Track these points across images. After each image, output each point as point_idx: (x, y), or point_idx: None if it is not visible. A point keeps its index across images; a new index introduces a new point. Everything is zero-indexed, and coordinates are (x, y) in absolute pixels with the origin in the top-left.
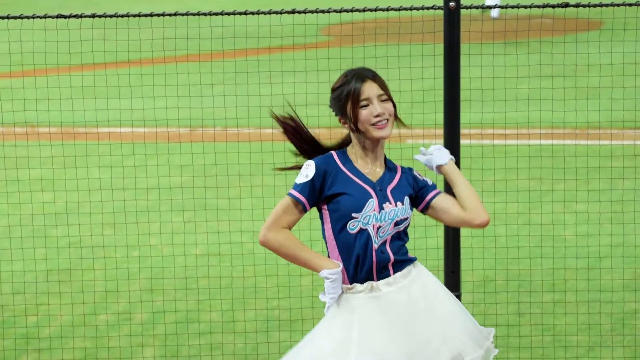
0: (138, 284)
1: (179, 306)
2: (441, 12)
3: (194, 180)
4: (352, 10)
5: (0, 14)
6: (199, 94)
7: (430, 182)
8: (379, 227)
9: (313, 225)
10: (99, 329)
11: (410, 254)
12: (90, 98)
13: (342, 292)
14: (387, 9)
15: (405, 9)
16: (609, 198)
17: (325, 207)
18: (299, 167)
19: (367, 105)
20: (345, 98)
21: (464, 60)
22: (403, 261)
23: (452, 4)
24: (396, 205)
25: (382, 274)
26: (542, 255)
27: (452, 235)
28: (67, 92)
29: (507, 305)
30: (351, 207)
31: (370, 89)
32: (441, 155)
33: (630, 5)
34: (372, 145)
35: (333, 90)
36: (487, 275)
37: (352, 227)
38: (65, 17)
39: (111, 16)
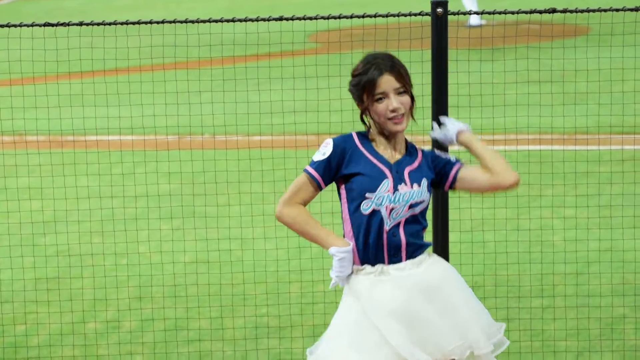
0: (127, 291)
1: (168, 314)
2: (428, 18)
3: (182, 188)
4: (339, 17)
5: None
6: (187, 101)
7: (452, 158)
8: (392, 208)
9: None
10: (87, 337)
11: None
12: (78, 106)
13: (352, 273)
14: (375, 16)
15: (393, 15)
16: (597, 203)
17: (342, 186)
18: None
19: (383, 98)
20: (362, 89)
21: (451, 67)
22: (416, 248)
23: (439, 10)
24: (412, 187)
25: (394, 257)
26: (530, 261)
27: (440, 241)
28: (55, 100)
29: (495, 310)
30: (365, 186)
31: (387, 82)
32: (454, 125)
33: (617, 10)
34: (391, 133)
35: (353, 76)
36: (475, 281)
37: (366, 207)
38: (52, 25)
39: (99, 24)
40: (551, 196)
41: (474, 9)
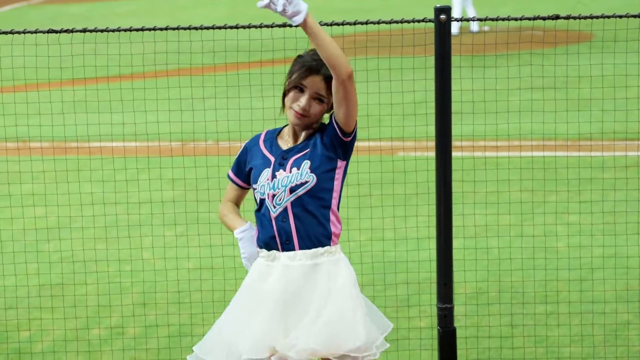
0: (131, 298)
1: (172, 320)
2: (432, 24)
3: (186, 194)
4: (343, 24)
5: None
6: (191, 108)
7: (332, 118)
8: (274, 195)
9: None
10: (91, 344)
11: (334, 246)
12: (81, 112)
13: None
14: (378, 22)
15: (396, 21)
16: (601, 209)
17: None
18: None
19: (301, 91)
20: (292, 71)
21: (455, 73)
22: (311, 239)
23: (442, 16)
24: (290, 172)
25: (287, 244)
26: (534, 267)
27: (444, 247)
28: (59, 106)
29: (499, 317)
30: (253, 179)
31: (314, 82)
32: (297, 4)
33: (620, 17)
34: (296, 126)
35: (300, 56)
36: (479, 287)
37: (256, 197)
38: (56, 32)
39: (102, 31)
40: (555, 202)
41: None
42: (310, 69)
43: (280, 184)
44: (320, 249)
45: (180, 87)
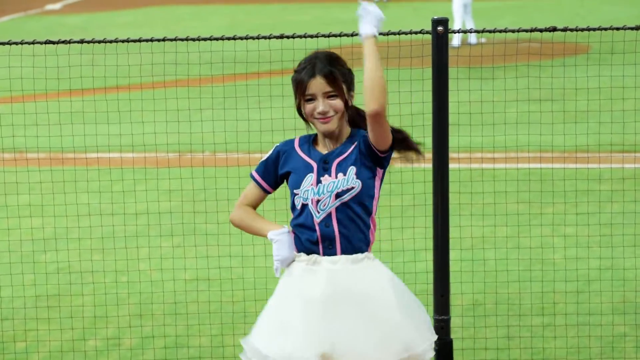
0: (127, 309)
1: (168, 331)
2: (429, 36)
3: (182, 205)
4: (340, 35)
5: None
6: (188, 119)
7: (367, 135)
8: (318, 200)
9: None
10: (88, 355)
11: (370, 253)
12: (79, 123)
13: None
14: None
15: (394, 33)
16: (598, 221)
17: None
18: None
19: (312, 100)
20: (296, 87)
21: (452, 85)
22: (354, 245)
23: (440, 28)
24: (336, 177)
25: (329, 249)
26: (531, 279)
27: (441, 259)
28: (56, 117)
29: (496, 328)
30: (293, 184)
31: (317, 86)
32: (364, 24)
33: (617, 29)
34: (327, 134)
35: (294, 71)
36: (476, 299)
37: (297, 202)
38: (53, 43)
39: (100, 42)
40: (552, 214)
41: (458, 27)
42: (307, 76)
43: (326, 189)
44: (360, 255)
45: (177, 98)
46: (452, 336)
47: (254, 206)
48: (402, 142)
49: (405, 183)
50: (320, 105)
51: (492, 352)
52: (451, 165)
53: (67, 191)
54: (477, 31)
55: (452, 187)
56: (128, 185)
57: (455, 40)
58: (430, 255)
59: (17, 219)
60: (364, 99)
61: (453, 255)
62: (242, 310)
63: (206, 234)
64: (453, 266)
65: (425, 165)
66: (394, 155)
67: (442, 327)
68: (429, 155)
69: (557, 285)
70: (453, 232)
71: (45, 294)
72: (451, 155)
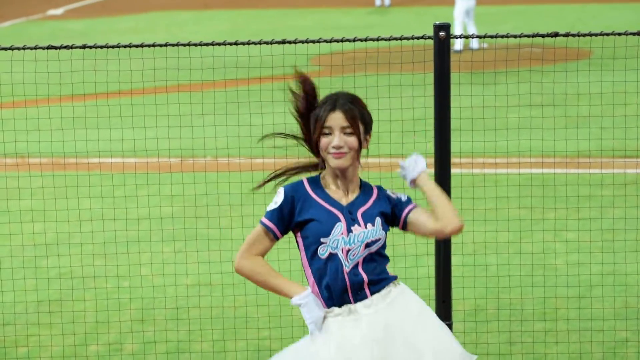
0: (129, 314)
1: (170, 336)
2: (431, 41)
3: (184, 211)
4: (342, 41)
5: None
6: (190, 124)
7: (404, 198)
8: (349, 250)
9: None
10: None
11: (391, 273)
12: (81, 128)
13: (325, 317)
14: (378, 39)
15: (396, 38)
16: (600, 227)
17: (298, 234)
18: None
19: (329, 134)
20: (315, 121)
21: (454, 90)
22: (380, 280)
23: (442, 33)
24: (366, 227)
25: (359, 295)
26: (533, 284)
27: (443, 264)
28: (58, 122)
29: (498, 334)
30: (319, 232)
31: (335, 120)
32: (414, 168)
33: (619, 34)
34: (340, 171)
35: (315, 108)
36: (478, 304)
37: (322, 251)
38: (55, 47)
39: (102, 47)
40: (553, 219)
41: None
42: (327, 109)
43: (357, 239)
44: (386, 288)
45: (179, 103)
46: None
47: (263, 255)
48: None
49: (407, 188)
50: (335, 139)
51: (494, 357)
52: (453, 170)
53: (69, 196)
54: (479, 36)
55: (454, 192)
56: (130, 190)
57: (457, 45)
58: (432, 261)
59: (19, 224)
60: (442, 220)
61: (455, 260)
62: (243, 316)
63: (208, 239)
64: (455, 271)
65: (427, 170)
66: None
67: None
68: (430, 160)
69: (559, 290)
70: (455, 237)
71: (47, 299)
72: (453, 160)
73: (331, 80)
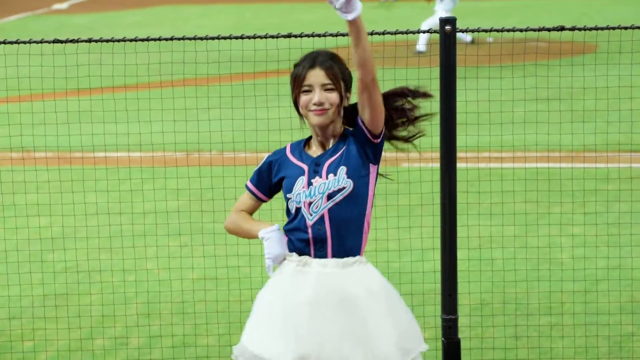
0: (134, 308)
1: (176, 330)
2: (437, 36)
3: (190, 205)
4: (348, 34)
5: None
6: (196, 118)
7: (359, 120)
8: (310, 202)
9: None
10: (95, 354)
11: (363, 256)
12: (86, 123)
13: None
14: (383, 33)
15: (402, 32)
16: (605, 221)
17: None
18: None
19: (309, 91)
20: (294, 80)
21: (459, 84)
22: (344, 246)
23: (448, 27)
24: (327, 178)
25: (320, 251)
26: (538, 279)
27: (448, 258)
28: (64, 116)
29: (504, 328)
30: (286, 189)
31: (315, 76)
32: (354, 5)
33: (625, 28)
34: (320, 129)
35: (293, 66)
36: (483, 299)
37: (291, 207)
38: (61, 42)
39: (107, 41)
40: (559, 214)
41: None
42: (306, 67)
43: (317, 191)
44: (351, 259)
45: (185, 97)
46: (459, 336)
47: (250, 213)
48: (401, 110)
49: (412, 182)
50: (316, 96)
51: (500, 351)
52: (459, 165)
53: (75, 190)
54: (484, 30)
55: (460, 187)
56: (136, 184)
57: (468, 36)
58: (437, 255)
59: (24, 218)
60: (364, 66)
61: (460, 254)
62: (249, 310)
63: (213, 233)
64: (460, 265)
65: (433, 164)
66: (398, 145)
67: (449, 326)
68: (436, 154)
69: (564, 284)
70: (460, 232)
71: (52, 293)
72: (459, 154)
73: None
